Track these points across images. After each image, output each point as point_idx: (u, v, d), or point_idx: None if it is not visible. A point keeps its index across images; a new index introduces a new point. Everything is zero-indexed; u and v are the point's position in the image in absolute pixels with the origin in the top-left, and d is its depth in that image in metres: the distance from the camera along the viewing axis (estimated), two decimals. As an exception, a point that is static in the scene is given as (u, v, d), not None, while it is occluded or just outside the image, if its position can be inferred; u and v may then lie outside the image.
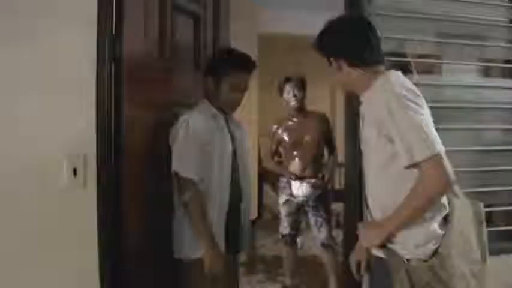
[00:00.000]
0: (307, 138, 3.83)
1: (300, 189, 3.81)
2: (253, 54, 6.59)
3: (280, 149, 3.99)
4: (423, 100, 1.66)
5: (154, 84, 2.15)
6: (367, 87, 1.77)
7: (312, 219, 3.84)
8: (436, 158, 1.55)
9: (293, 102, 3.83)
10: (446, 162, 1.56)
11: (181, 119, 2.12)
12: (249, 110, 6.48)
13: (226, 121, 2.26)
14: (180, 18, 2.35)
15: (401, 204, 1.62)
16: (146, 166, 2.08)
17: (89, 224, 1.85)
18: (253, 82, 6.52)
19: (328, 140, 3.93)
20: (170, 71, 2.27)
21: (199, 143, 2.08)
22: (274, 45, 7.19)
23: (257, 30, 6.81)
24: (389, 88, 1.65)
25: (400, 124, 1.58)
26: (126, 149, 1.95)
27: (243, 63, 2.23)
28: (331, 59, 1.80)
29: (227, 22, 2.73)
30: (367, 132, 1.74)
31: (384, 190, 1.72)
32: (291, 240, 3.96)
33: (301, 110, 3.86)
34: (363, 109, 1.82)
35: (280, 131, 3.94)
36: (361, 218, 2.19)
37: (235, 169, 2.24)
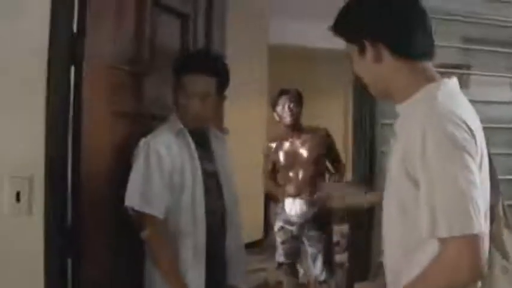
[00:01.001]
0: (302, 158, 3.48)
1: (293, 208, 3.45)
2: (263, 67, 6.41)
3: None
4: (476, 138, 1.16)
5: (124, 93, 1.84)
6: (410, 94, 1.25)
7: (308, 250, 3.50)
8: (471, 238, 1.09)
9: (288, 118, 3.46)
10: (485, 243, 1.12)
11: (142, 141, 1.78)
12: (256, 123, 6.20)
13: (203, 136, 1.91)
14: (164, 18, 2.04)
15: (418, 278, 1.18)
16: (109, 189, 1.76)
17: (34, 256, 1.54)
18: (262, 96, 6.42)
19: (332, 157, 3.59)
20: (146, 79, 1.95)
21: (164, 171, 1.76)
22: (287, 58, 6.88)
23: (267, 41, 6.53)
24: (433, 113, 1.16)
25: (434, 180, 1.12)
26: (84, 169, 1.64)
27: (196, 63, 1.84)
28: (367, 43, 1.25)
29: (222, 24, 2.42)
30: (393, 158, 1.27)
31: (398, 240, 1.28)
32: (290, 269, 3.62)
33: (295, 127, 3.50)
34: (398, 125, 1.31)
35: (275, 150, 3.60)
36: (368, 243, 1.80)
37: (218, 193, 1.91)
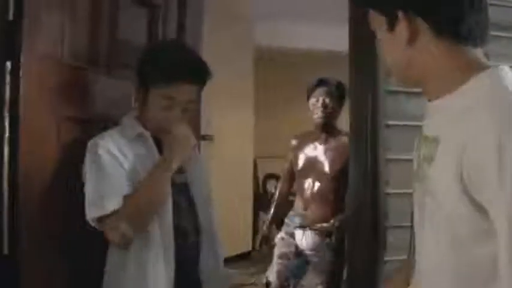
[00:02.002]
0: (322, 168, 2.78)
1: (303, 239, 2.78)
2: (248, 70, 6.17)
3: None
4: None
5: (75, 95, 1.55)
6: (454, 85, 0.97)
7: (310, 275, 2.79)
8: None
9: (318, 116, 2.76)
10: None
11: (90, 143, 1.47)
12: (243, 129, 5.93)
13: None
14: (127, 7, 1.75)
15: None
16: (56, 204, 1.46)
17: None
18: (248, 99, 6.16)
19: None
20: (103, 78, 1.65)
21: (119, 167, 1.46)
22: (274, 60, 6.62)
23: (254, 43, 6.27)
24: (506, 106, 0.89)
25: None
26: (23, 187, 1.36)
27: (185, 73, 1.52)
28: (400, 15, 0.98)
29: (198, 15, 2.12)
30: (439, 175, 0.95)
31: (448, 282, 0.97)
32: None
33: (327, 128, 2.78)
34: (432, 126, 1.02)
35: (294, 149, 2.94)
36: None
37: (189, 208, 1.61)
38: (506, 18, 1.88)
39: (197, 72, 1.55)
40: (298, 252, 2.80)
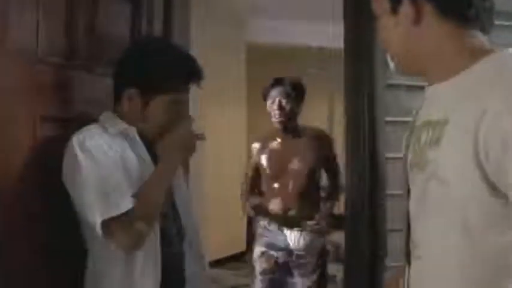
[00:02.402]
0: (293, 165, 2.72)
1: (294, 239, 2.70)
2: (241, 66, 6.09)
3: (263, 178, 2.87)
4: None
5: (52, 93, 1.45)
6: (458, 68, 0.94)
7: (298, 282, 2.71)
8: None
9: (277, 117, 2.70)
10: None
11: (75, 140, 1.35)
12: (236, 127, 5.84)
13: (150, 144, 1.48)
14: (108, 3, 1.65)
15: None
16: (31, 206, 1.36)
17: None
18: (241, 98, 6.06)
19: (328, 168, 2.84)
20: (82, 75, 1.55)
21: (113, 163, 1.36)
22: (266, 57, 6.52)
23: (246, 39, 6.17)
24: None
25: None
26: None
27: (191, 74, 1.47)
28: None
29: (185, 12, 2.02)
30: (449, 155, 0.90)
31: (458, 275, 0.91)
32: None
33: (288, 127, 2.75)
34: (437, 109, 0.96)
35: (258, 152, 2.84)
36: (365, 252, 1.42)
37: (173, 213, 1.52)
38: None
39: (199, 73, 1.49)
40: (281, 264, 2.73)
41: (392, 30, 1.01)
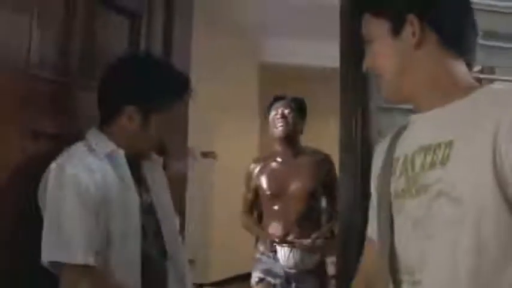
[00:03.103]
0: (294, 187, 2.61)
1: (289, 256, 2.57)
2: (253, 87, 6.09)
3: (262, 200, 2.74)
4: None
5: (43, 108, 1.44)
6: (454, 96, 0.96)
7: None
8: None
9: (280, 128, 2.60)
10: None
11: (54, 165, 1.33)
12: (247, 144, 5.81)
13: (133, 159, 1.46)
14: (104, 17, 1.64)
15: None
16: (18, 222, 1.34)
17: None
18: (254, 119, 6.04)
19: (328, 190, 2.69)
20: (74, 90, 1.54)
21: (89, 203, 1.31)
22: (279, 78, 6.52)
23: (258, 60, 6.18)
24: None
25: None
26: None
27: (185, 91, 1.49)
28: (411, 19, 0.97)
29: (188, 27, 2.00)
30: (463, 172, 0.89)
31: None
32: None
33: (291, 144, 2.64)
34: (435, 133, 0.96)
35: (258, 173, 2.72)
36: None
37: (156, 232, 1.48)
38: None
39: (190, 90, 1.50)
40: None
41: (390, 55, 1.01)
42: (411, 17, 0.97)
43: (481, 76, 1.59)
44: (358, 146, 1.56)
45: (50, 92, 1.46)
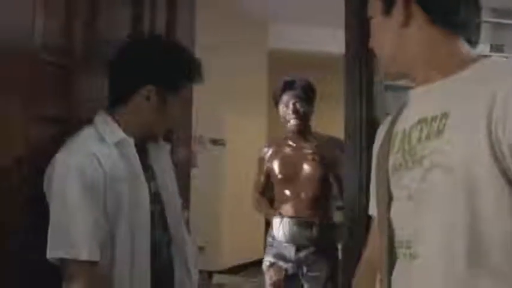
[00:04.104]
0: (305, 172, 2.65)
1: (280, 227, 2.62)
2: (262, 73, 6.07)
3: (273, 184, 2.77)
4: None
5: (47, 92, 1.43)
6: (451, 70, 0.97)
7: None
8: None
9: (292, 121, 2.64)
10: None
11: (60, 160, 1.32)
12: (256, 132, 5.80)
13: (140, 146, 1.45)
14: (109, 2, 1.63)
15: None
16: (22, 208, 1.33)
17: None
18: (262, 106, 6.02)
19: (337, 174, 2.66)
20: (78, 74, 1.53)
21: (94, 197, 1.30)
22: (287, 64, 6.48)
23: (267, 46, 6.15)
24: None
25: None
26: None
27: (198, 70, 1.48)
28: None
29: (190, 8, 1.98)
30: (458, 144, 0.89)
31: (468, 260, 0.89)
32: None
33: (302, 131, 2.68)
34: (430, 107, 0.97)
35: (270, 157, 2.76)
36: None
37: (162, 220, 1.47)
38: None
39: (202, 72, 1.49)
40: (290, 276, 2.65)
41: (384, 32, 1.05)
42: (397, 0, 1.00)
43: (490, 54, 1.56)
44: (364, 129, 1.54)
45: (54, 75, 1.46)
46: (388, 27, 1.03)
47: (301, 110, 2.65)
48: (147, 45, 1.48)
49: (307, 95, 2.68)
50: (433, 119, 0.95)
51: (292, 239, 2.61)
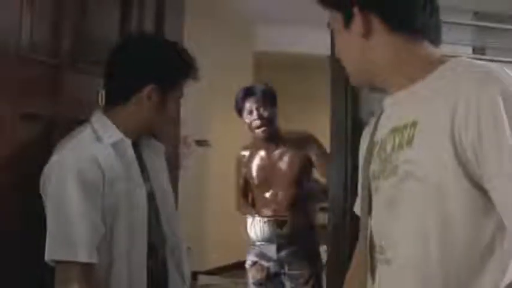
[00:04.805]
0: (279, 175, 2.66)
1: (252, 226, 2.67)
2: (248, 75, 6.07)
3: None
4: None
5: (36, 91, 1.43)
6: (420, 75, 0.97)
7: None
8: None
9: (258, 127, 2.63)
10: None
11: (55, 160, 1.32)
12: (242, 134, 5.80)
13: (135, 147, 1.45)
14: (97, 1, 1.63)
15: None
16: (9, 206, 1.33)
17: None
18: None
19: (318, 165, 2.66)
20: (67, 73, 1.53)
21: (91, 198, 1.30)
22: (273, 66, 6.50)
23: (253, 47, 6.17)
24: (492, 79, 0.87)
25: None
26: None
27: (194, 68, 1.48)
28: (355, 11, 1.00)
29: (179, 14, 2.00)
30: (426, 153, 0.90)
31: (434, 269, 0.92)
32: None
33: (271, 136, 2.67)
34: (403, 114, 0.98)
35: (247, 161, 2.79)
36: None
37: (156, 221, 1.47)
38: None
39: (196, 66, 1.50)
40: (273, 275, 2.68)
41: (347, 44, 1.05)
42: (355, 10, 1.00)
43: (472, 57, 1.59)
44: (349, 131, 1.56)
45: (42, 74, 1.46)
46: (351, 39, 1.03)
47: (265, 114, 2.64)
48: (146, 44, 1.47)
49: (268, 100, 2.68)
50: (404, 127, 0.96)
51: (262, 237, 2.65)
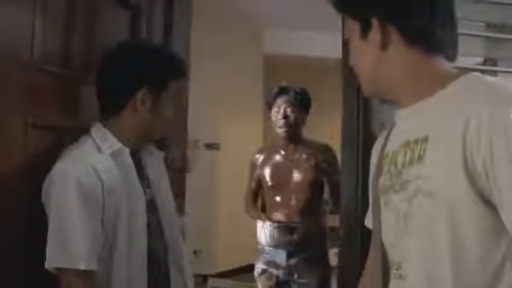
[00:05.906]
0: (295, 179, 2.65)
1: (262, 232, 2.66)
2: (258, 78, 6.07)
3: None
4: None
5: (47, 101, 1.44)
6: (433, 90, 0.96)
7: None
8: None
9: (282, 127, 2.65)
10: None
11: (56, 169, 1.34)
12: (252, 137, 5.81)
13: (134, 154, 1.47)
14: (106, 11, 1.64)
15: None
16: (20, 218, 1.33)
17: None
18: (258, 110, 6.03)
19: (331, 181, 2.67)
20: (78, 84, 1.54)
21: (92, 207, 1.31)
22: (282, 68, 6.49)
23: (262, 51, 6.16)
24: (505, 98, 0.86)
25: None
26: None
27: (183, 66, 1.52)
28: (374, 21, 0.99)
29: (187, 20, 2.00)
30: (438, 169, 0.89)
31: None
32: None
33: (293, 138, 2.68)
34: (415, 129, 0.97)
35: (261, 164, 2.78)
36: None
37: (158, 229, 1.49)
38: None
39: (185, 64, 1.55)
40: (282, 282, 2.67)
41: (363, 55, 1.04)
42: (374, 20, 0.99)
43: (483, 68, 1.58)
44: (360, 138, 1.56)
45: (53, 85, 1.46)
46: (367, 50, 1.02)
47: (292, 115, 2.65)
48: (131, 50, 1.49)
49: (300, 102, 2.69)
50: (415, 142, 0.95)
51: (272, 242, 2.64)
